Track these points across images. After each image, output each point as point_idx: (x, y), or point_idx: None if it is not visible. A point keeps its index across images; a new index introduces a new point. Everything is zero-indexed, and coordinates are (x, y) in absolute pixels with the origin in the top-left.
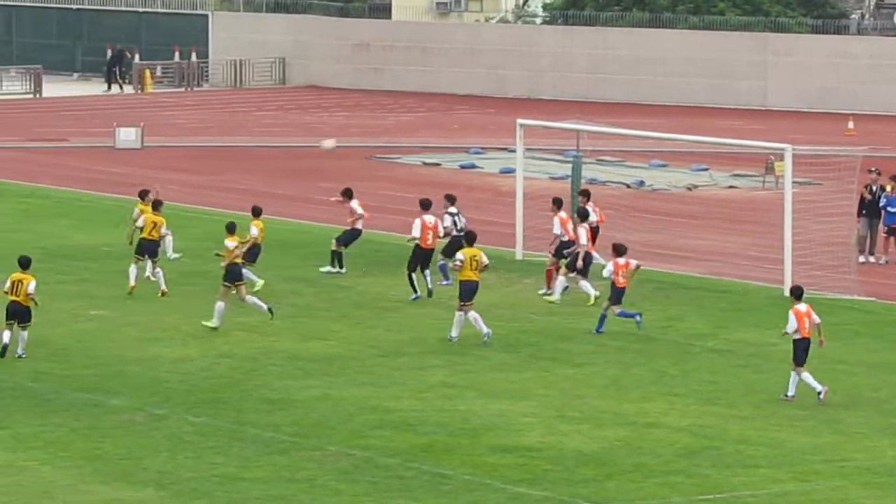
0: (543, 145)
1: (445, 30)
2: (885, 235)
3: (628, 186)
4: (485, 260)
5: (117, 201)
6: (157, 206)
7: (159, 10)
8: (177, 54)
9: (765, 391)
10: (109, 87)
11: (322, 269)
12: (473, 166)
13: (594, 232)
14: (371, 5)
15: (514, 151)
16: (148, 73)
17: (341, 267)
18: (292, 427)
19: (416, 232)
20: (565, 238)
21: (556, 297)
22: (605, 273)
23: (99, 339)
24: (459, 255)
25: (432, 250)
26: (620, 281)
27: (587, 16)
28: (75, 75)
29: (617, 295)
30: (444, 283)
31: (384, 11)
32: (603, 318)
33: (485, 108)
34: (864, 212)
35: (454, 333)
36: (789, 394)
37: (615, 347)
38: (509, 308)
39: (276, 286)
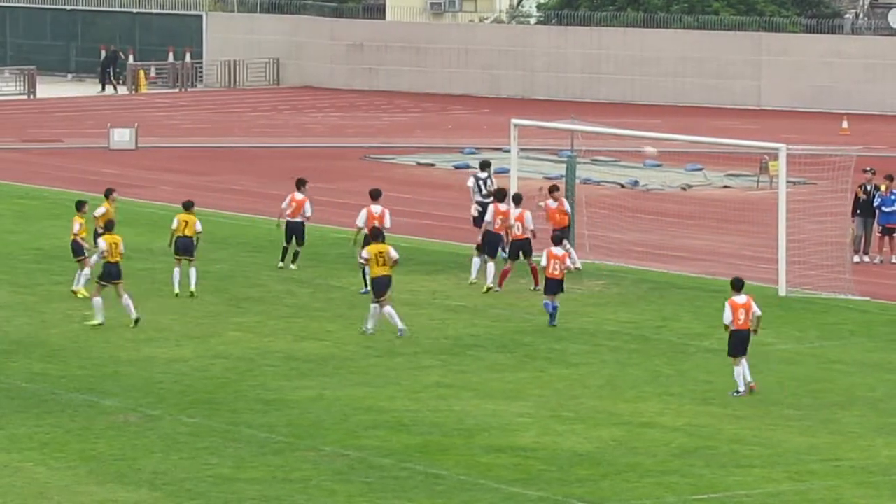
0: (538, 145)
1: (440, 30)
2: (879, 235)
3: (623, 186)
4: (394, 255)
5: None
6: (188, 206)
7: (153, 10)
8: (171, 55)
9: (759, 391)
10: (103, 88)
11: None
12: (468, 166)
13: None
14: (365, 6)
15: (508, 151)
16: (142, 73)
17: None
18: (287, 427)
19: (360, 222)
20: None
21: (473, 277)
22: (543, 262)
23: (93, 339)
24: (364, 252)
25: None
26: (551, 272)
27: (581, 16)
28: (69, 76)
29: (550, 287)
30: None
31: (378, 12)
32: (548, 307)
33: (479, 108)
34: (858, 211)
35: (369, 326)
36: (740, 390)
37: (610, 347)
38: (504, 308)
39: (271, 287)
